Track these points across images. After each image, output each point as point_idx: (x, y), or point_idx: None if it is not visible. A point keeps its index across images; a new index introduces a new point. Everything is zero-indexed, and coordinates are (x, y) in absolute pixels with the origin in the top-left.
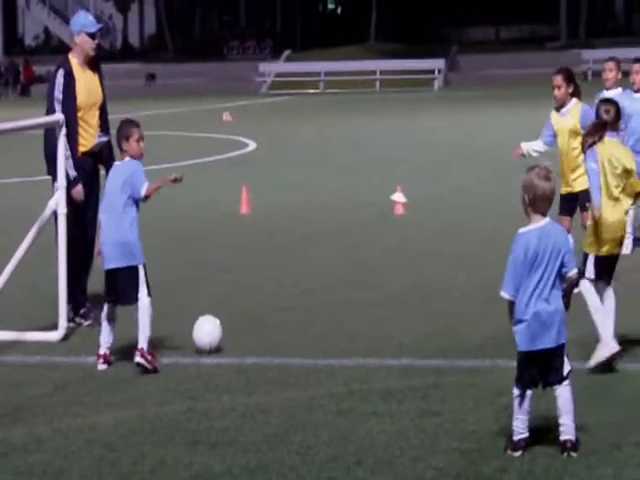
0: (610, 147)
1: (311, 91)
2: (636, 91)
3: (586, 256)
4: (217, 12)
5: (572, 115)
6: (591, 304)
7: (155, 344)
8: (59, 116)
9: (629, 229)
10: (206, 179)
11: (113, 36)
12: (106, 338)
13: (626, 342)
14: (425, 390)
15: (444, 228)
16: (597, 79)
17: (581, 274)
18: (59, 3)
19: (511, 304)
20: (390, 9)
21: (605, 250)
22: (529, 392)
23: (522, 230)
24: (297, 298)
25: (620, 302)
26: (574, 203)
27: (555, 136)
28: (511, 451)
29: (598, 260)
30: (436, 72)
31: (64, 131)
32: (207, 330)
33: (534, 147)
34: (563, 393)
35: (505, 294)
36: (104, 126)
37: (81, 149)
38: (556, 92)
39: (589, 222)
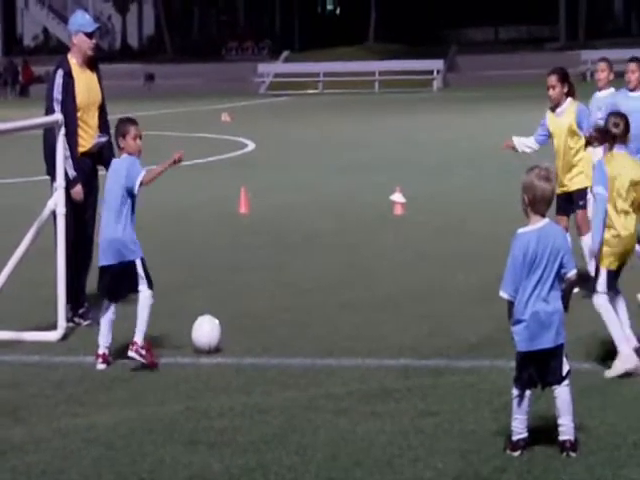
0: (619, 160)
1: (310, 92)
2: (631, 90)
3: (597, 269)
4: (216, 13)
5: (568, 115)
6: (607, 319)
7: (154, 344)
8: (58, 116)
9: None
10: (205, 179)
11: (112, 36)
12: (104, 338)
13: None
14: (424, 390)
15: (443, 228)
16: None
17: (593, 290)
18: (58, 3)
19: (510, 304)
20: (389, 10)
21: (617, 264)
22: (528, 392)
23: (521, 231)
24: (296, 298)
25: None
26: (570, 203)
27: (549, 136)
28: (510, 451)
29: (610, 274)
30: (435, 73)
31: (63, 131)
32: (206, 330)
33: (526, 143)
34: (562, 393)
35: (504, 294)
36: (104, 126)
37: (80, 149)
38: (551, 92)
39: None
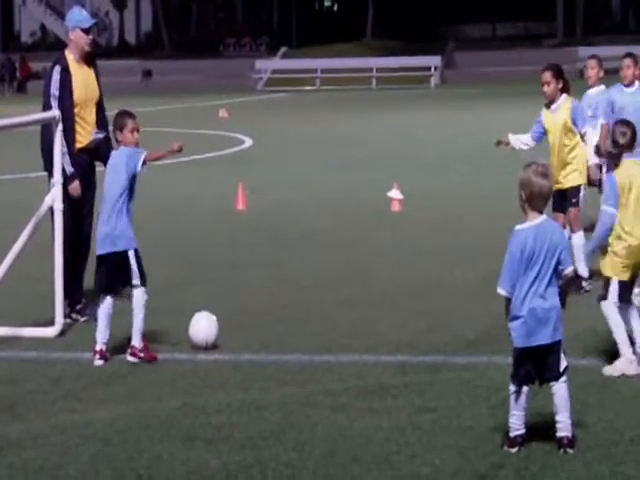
0: (628, 168)
1: (307, 88)
2: (627, 85)
3: (608, 279)
4: (213, 9)
5: (562, 111)
6: (612, 321)
7: (151, 340)
8: (55, 112)
9: None
10: (202, 176)
11: (109, 33)
12: (102, 334)
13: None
14: (421, 386)
15: (440, 225)
16: None
17: (602, 297)
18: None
19: (507, 301)
20: (386, 6)
21: (629, 275)
22: (525, 388)
23: (519, 227)
24: (293, 295)
25: None
26: (565, 200)
27: (544, 133)
28: (507, 447)
29: (622, 284)
30: (432, 69)
31: (60, 127)
32: (203, 326)
33: (522, 139)
34: (559, 390)
35: (501, 291)
36: (101, 122)
37: (78, 145)
38: (545, 88)
39: (612, 247)
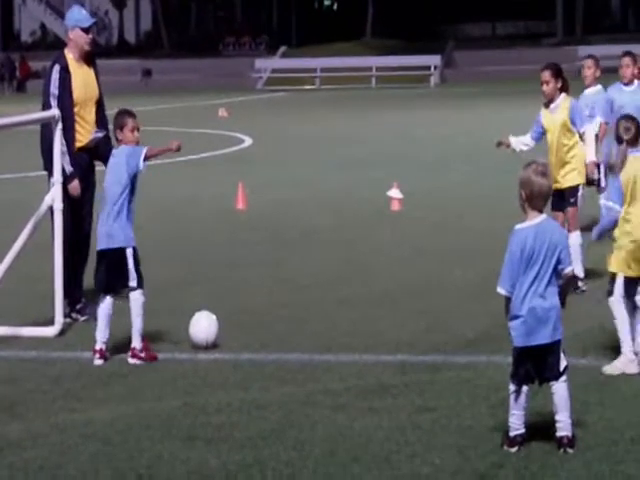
0: (632, 164)
1: (307, 87)
2: (626, 84)
3: (614, 275)
4: (213, 8)
5: (561, 111)
6: (618, 317)
7: (152, 339)
8: (55, 112)
9: None
10: (202, 175)
11: (109, 32)
12: (102, 333)
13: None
14: (421, 386)
15: (440, 224)
16: None
17: (609, 293)
18: None
19: (507, 300)
20: (386, 5)
21: (637, 270)
22: (525, 388)
23: (518, 226)
24: (293, 294)
25: None
26: (564, 199)
27: (543, 132)
28: (507, 447)
29: (628, 281)
30: (432, 68)
31: (60, 126)
32: (203, 326)
33: (522, 141)
34: (559, 389)
35: (501, 290)
36: (101, 122)
37: (77, 144)
38: (544, 88)
39: (618, 242)
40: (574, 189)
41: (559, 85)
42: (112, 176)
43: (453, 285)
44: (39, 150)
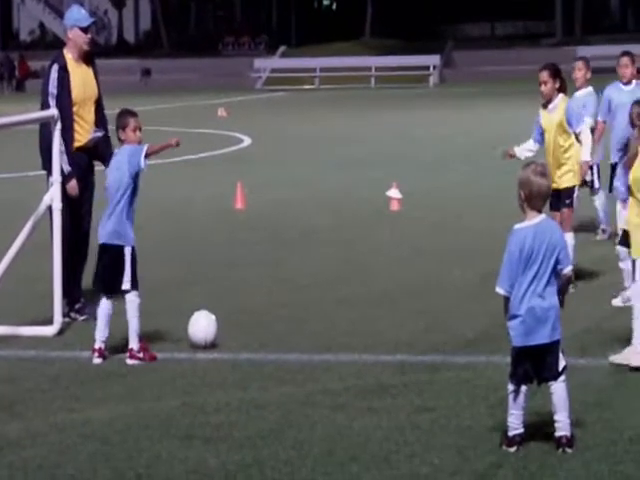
0: None
1: (306, 87)
2: (625, 84)
3: (634, 262)
4: (212, 8)
5: (558, 111)
6: (635, 307)
7: (151, 339)
8: (54, 111)
9: None
10: (201, 175)
11: (108, 31)
12: (101, 332)
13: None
14: (420, 386)
15: (439, 224)
16: (592, 76)
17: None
18: None
19: (506, 300)
20: (385, 5)
21: None
22: (524, 388)
23: (517, 226)
24: (293, 294)
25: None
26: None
27: (543, 133)
28: (506, 447)
29: None
30: (431, 68)
31: (59, 126)
32: (202, 325)
33: (526, 147)
34: (558, 389)
35: (500, 290)
36: (100, 121)
37: (76, 144)
38: (543, 88)
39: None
40: (570, 190)
41: (557, 85)
42: (114, 175)
43: (452, 285)
44: (38, 149)
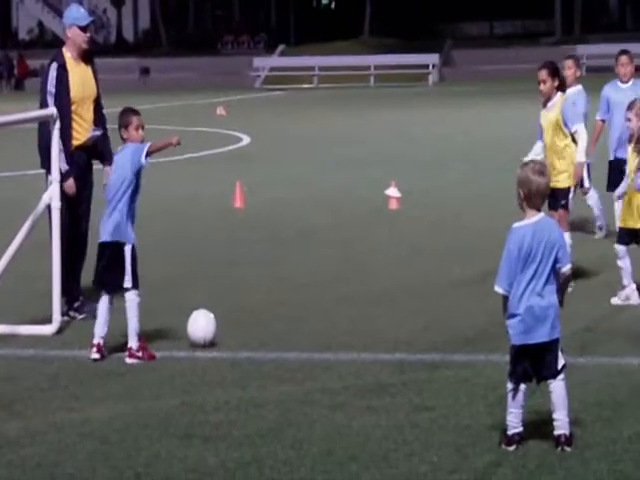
0: None
1: (305, 86)
2: (624, 82)
3: None
4: (211, 6)
5: (555, 109)
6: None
7: (150, 338)
8: (53, 110)
9: None
10: (200, 174)
11: (107, 30)
12: (100, 328)
13: (620, 337)
14: (419, 385)
15: (438, 223)
16: (591, 74)
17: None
18: None
19: (505, 299)
20: (384, 3)
21: None
22: (523, 386)
23: (516, 225)
24: (292, 293)
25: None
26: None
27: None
28: (505, 445)
29: None
30: (430, 67)
31: (57, 125)
32: (201, 324)
33: (536, 151)
34: (557, 388)
35: (499, 289)
36: (99, 120)
37: (75, 143)
38: (542, 87)
39: None
40: (565, 191)
41: (556, 84)
42: (116, 173)
43: (451, 284)
44: (37, 148)
